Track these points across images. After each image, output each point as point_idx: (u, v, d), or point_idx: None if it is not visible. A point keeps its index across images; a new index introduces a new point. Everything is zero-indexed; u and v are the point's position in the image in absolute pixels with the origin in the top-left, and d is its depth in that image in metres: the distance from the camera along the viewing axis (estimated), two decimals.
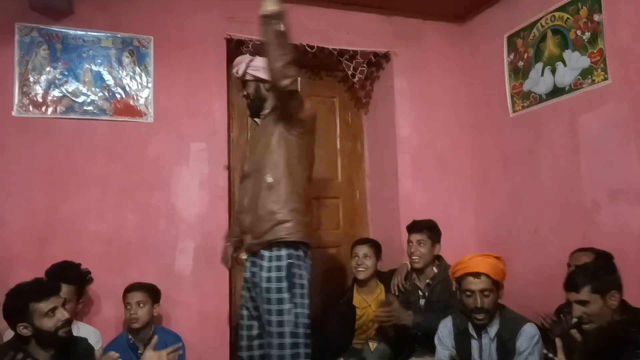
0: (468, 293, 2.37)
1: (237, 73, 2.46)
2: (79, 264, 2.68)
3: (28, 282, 2.09)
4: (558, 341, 2.00)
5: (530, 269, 3.18)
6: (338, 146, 3.91)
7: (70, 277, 2.57)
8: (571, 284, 2.08)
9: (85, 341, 2.25)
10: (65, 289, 2.48)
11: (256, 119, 2.52)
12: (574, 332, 2.07)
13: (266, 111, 2.45)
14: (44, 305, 1.99)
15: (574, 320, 2.10)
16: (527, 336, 2.32)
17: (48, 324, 1.99)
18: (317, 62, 3.65)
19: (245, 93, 2.48)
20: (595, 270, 2.08)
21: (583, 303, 2.03)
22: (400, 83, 3.67)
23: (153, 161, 3.08)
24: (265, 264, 2.23)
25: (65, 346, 2.08)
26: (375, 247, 3.13)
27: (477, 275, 2.35)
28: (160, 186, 3.08)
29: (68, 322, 2.05)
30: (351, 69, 3.57)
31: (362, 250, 3.07)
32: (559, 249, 2.88)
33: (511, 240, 3.36)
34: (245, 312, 2.39)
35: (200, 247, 3.10)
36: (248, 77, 2.43)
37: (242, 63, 2.42)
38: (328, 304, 3.34)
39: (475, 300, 2.34)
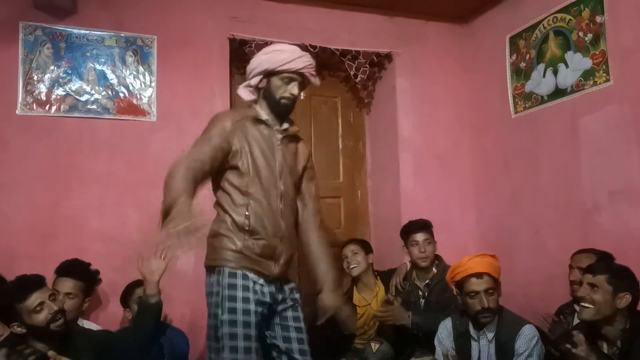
0: (472, 294, 2.36)
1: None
2: (89, 264, 2.71)
3: (11, 282, 2.11)
4: (580, 336, 2.02)
5: (530, 270, 3.19)
6: (340, 146, 3.92)
7: (77, 273, 2.61)
8: (591, 268, 2.13)
9: (78, 326, 2.32)
10: (71, 284, 2.56)
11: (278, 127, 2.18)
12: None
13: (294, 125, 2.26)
14: (30, 302, 2.01)
15: (578, 295, 2.13)
16: (526, 338, 2.32)
17: (38, 319, 2.01)
18: (319, 62, 3.61)
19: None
20: (620, 268, 2.12)
21: (593, 286, 2.06)
22: (402, 83, 3.67)
23: (155, 159, 3.08)
24: None
25: (63, 337, 2.09)
26: (361, 243, 3.18)
27: (479, 275, 2.35)
28: (162, 184, 3.08)
29: (59, 314, 2.06)
30: (353, 69, 3.57)
31: (349, 248, 3.11)
32: (560, 249, 2.89)
33: (512, 241, 3.37)
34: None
35: (203, 245, 3.10)
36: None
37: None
38: None
39: (481, 301, 2.33)
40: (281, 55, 2.06)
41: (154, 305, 2.34)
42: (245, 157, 2.08)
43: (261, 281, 2.03)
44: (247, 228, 2.03)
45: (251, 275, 2.02)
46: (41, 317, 2.01)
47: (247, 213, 2.04)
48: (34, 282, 2.08)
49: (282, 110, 2.14)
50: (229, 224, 2.06)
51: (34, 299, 2.01)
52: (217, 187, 2.17)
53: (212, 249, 2.11)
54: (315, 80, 2.18)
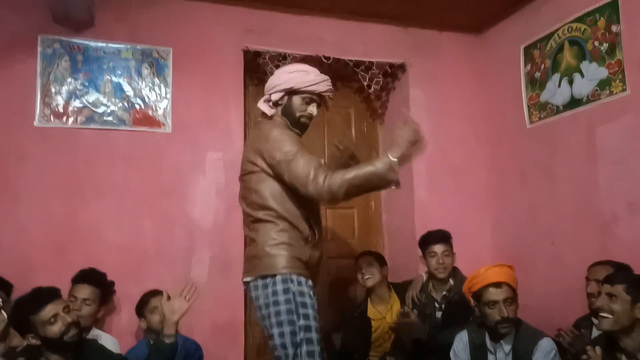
0: (491, 304, 2.32)
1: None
2: (105, 273, 2.75)
3: (26, 294, 2.12)
4: (596, 350, 2.01)
5: (547, 282, 3.15)
6: None
7: (94, 280, 2.67)
8: (609, 278, 2.12)
9: (96, 342, 2.31)
10: (89, 290, 2.62)
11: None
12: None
13: None
14: (44, 314, 2.02)
15: (596, 305, 2.12)
16: (544, 351, 2.29)
17: (52, 331, 2.02)
18: (333, 73, 3.60)
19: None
20: (639, 278, 2.10)
21: (611, 296, 2.04)
22: (416, 94, 3.67)
23: (170, 171, 3.11)
24: None
25: (76, 349, 2.10)
26: (377, 255, 3.17)
27: (498, 285, 2.33)
28: (177, 195, 3.11)
29: (73, 326, 2.07)
30: (367, 80, 3.58)
31: (364, 260, 3.10)
32: (577, 261, 2.85)
33: (528, 252, 3.33)
34: None
35: (216, 256, 3.12)
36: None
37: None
38: (343, 317, 3.32)
39: (500, 311, 2.30)
40: (307, 76, 2.18)
41: (168, 346, 2.28)
42: None
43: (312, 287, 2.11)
44: (310, 239, 2.12)
45: (310, 282, 2.09)
46: (55, 329, 2.02)
47: (310, 223, 2.14)
48: (48, 294, 2.09)
49: (300, 128, 2.25)
50: (293, 232, 2.09)
51: (48, 311, 2.03)
52: (272, 190, 2.12)
53: (273, 258, 2.05)
54: (329, 104, 2.34)
